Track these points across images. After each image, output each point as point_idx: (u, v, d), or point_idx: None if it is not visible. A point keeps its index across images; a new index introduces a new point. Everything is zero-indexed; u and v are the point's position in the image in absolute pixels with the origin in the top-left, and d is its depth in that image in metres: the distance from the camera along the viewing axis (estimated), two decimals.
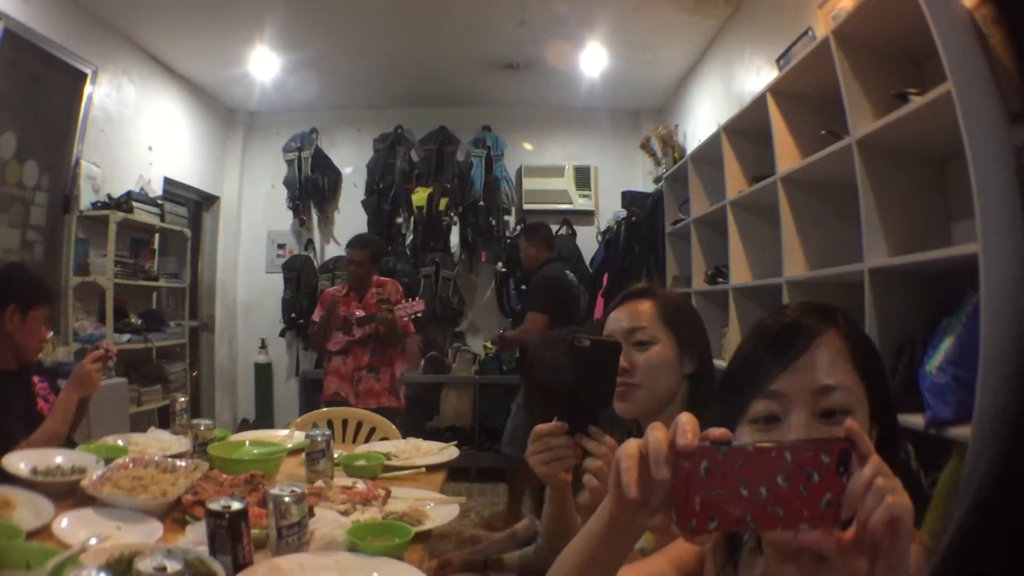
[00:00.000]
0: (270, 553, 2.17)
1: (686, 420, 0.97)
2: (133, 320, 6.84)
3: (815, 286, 3.89)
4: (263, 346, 9.19)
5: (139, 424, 6.21)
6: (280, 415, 9.03)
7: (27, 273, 3.61)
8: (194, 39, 7.04)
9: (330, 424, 4.53)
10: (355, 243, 5.98)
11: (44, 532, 2.25)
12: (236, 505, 2.04)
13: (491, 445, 8.04)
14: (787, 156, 4.23)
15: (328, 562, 2.14)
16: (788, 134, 4.28)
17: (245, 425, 8.95)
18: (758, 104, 4.54)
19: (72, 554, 1.90)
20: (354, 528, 2.34)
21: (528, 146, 9.06)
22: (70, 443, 3.33)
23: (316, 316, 5.87)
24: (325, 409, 4.79)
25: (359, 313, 5.67)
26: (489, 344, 8.51)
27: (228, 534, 2.00)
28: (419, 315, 5.70)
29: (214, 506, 2.03)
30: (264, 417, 9.03)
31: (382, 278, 6.04)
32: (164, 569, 1.58)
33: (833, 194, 3.96)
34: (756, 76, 5.50)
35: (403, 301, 5.77)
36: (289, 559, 2.11)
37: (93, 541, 2.03)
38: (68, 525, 2.29)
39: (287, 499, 2.15)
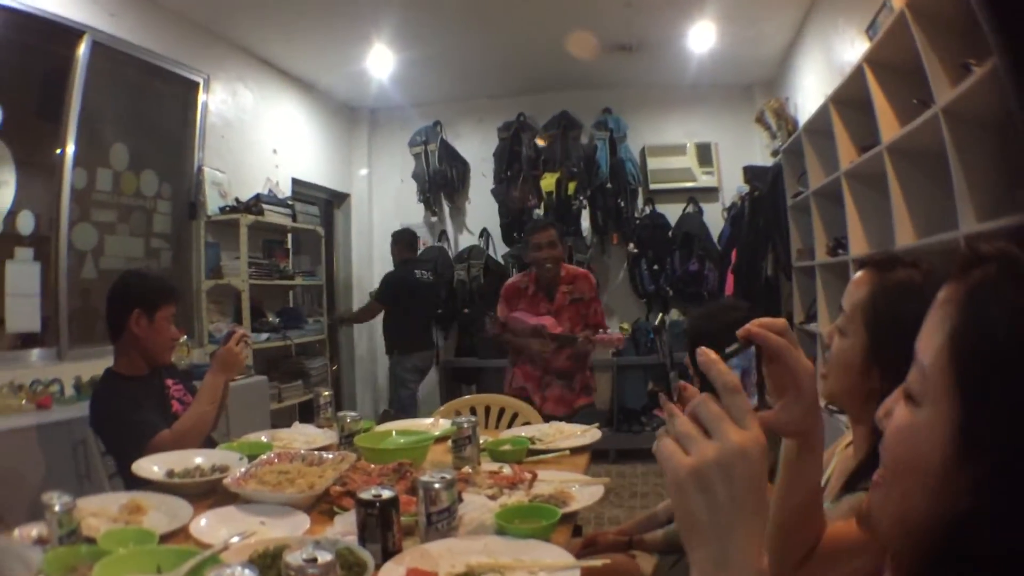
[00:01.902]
0: (418, 540, 2.15)
1: None
2: (271, 319, 6.96)
3: (927, 255, 3.70)
4: None
5: (280, 420, 6.31)
6: (421, 405, 9.05)
7: (146, 277, 3.71)
8: (307, 42, 7.12)
9: (473, 411, 4.51)
10: (535, 226, 5.38)
11: (180, 534, 2.24)
12: (386, 493, 2.02)
13: (629, 427, 7.97)
14: (888, 125, 4.18)
15: (477, 546, 2.09)
16: (887, 103, 4.22)
17: (386, 416, 9.01)
18: (857, 74, 4.49)
19: (211, 554, 1.88)
20: (502, 512, 2.30)
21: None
22: (209, 442, 3.37)
23: (501, 313, 5.31)
24: (468, 396, 4.77)
25: (549, 323, 5.05)
26: (626, 326, 8.44)
27: (378, 522, 1.99)
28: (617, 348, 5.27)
29: (364, 495, 2.01)
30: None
31: (572, 268, 5.43)
32: (314, 560, 1.54)
33: (932, 162, 3.83)
34: (851, 47, 5.35)
35: (597, 299, 5.31)
36: (438, 545, 2.08)
37: (235, 540, 2.01)
38: (207, 524, 2.28)
39: (437, 485, 2.11)
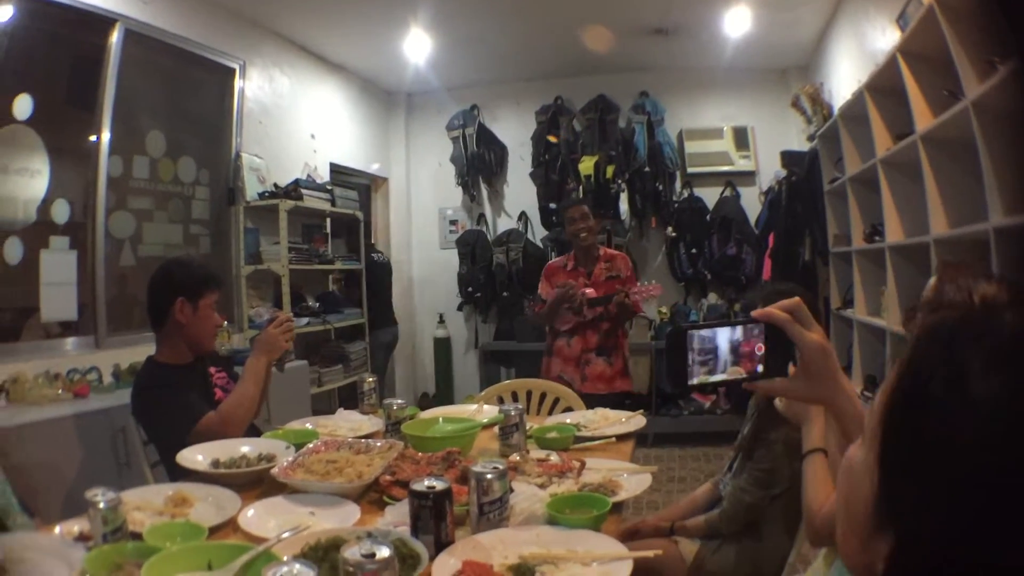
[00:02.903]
0: (470, 530, 2.13)
1: None
2: (311, 303, 6.96)
3: (957, 244, 3.90)
4: (441, 321, 9.36)
5: (320, 404, 6.35)
6: (460, 388, 9.21)
7: (189, 265, 3.68)
8: (343, 27, 7.08)
9: (514, 396, 4.51)
10: (567, 204, 5.55)
11: (228, 526, 2.22)
12: (440, 485, 2.00)
13: (668, 410, 7.95)
14: (922, 115, 4.23)
15: (529, 536, 2.08)
16: (919, 93, 4.26)
17: (425, 399, 9.09)
18: (891, 63, 4.50)
19: (264, 549, 1.86)
20: (553, 501, 2.29)
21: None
22: (252, 430, 3.36)
23: (542, 291, 5.38)
24: (508, 382, 4.74)
25: (590, 292, 5.11)
26: (664, 310, 8.42)
27: (432, 514, 1.97)
28: (655, 298, 5.34)
29: (418, 487, 2.00)
30: (444, 390, 9.23)
31: (609, 250, 5.52)
32: (373, 556, 1.52)
33: (965, 152, 3.82)
34: (883, 35, 5.34)
35: (634, 279, 5.32)
36: (490, 535, 2.06)
37: (287, 534, 1.99)
38: (256, 516, 2.26)
39: (489, 476, 2.09)
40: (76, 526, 2.11)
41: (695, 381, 1.44)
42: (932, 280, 2.03)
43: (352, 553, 1.53)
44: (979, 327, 0.84)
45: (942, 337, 0.85)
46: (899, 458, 0.85)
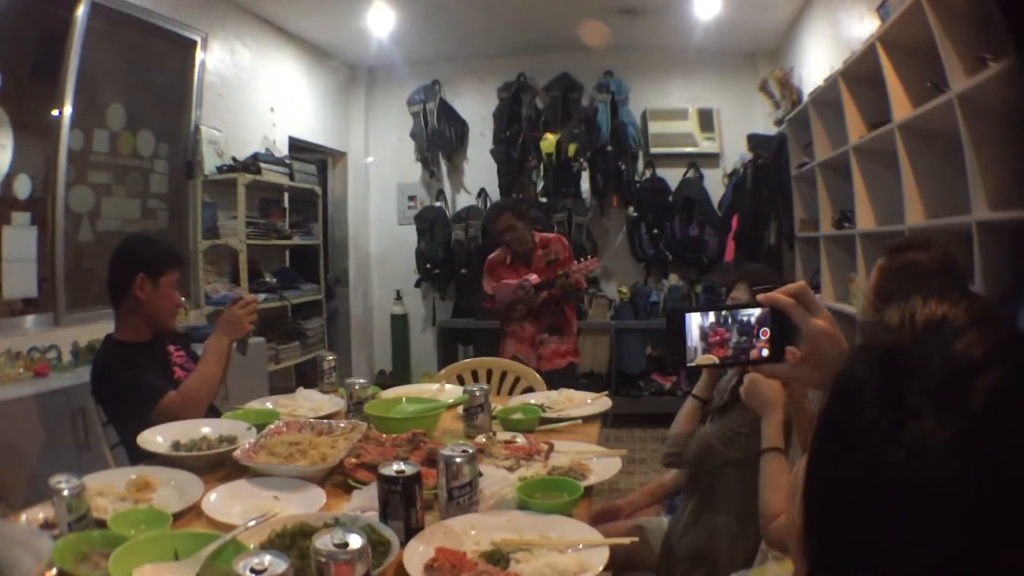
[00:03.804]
0: (439, 515, 2.10)
1: None
2: (268, 279, 6.89)
3: (935, 235, 3.81)
4: (398, 297, 9.27)
5: (277, 381, 6.27)
6: (417, 366, 9.16)
7: (151, 241, 3.62)
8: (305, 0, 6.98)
9: (475, 375, 4.49)
10: (491, 215, 5.71)
11: (192, 512, 2.17)
12: (410, 469, 1.96)
13: (628, 391, 7.95)
14: (900, 104, 4.24)
15: (500, 522, 2.05)
16: (899, 83, 4.27)
17: (382, 376, 9.04)
18: (869, 52, 4.52)
19: (230, 538, 1.80)
20: (523, 486, 2.25)
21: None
22: (213, 412, 3.30)
23: (488, 287, 5.53)
24: (468, 360, 4.73)
25: (533, 279, 5.25)
26: (624, 290, 8.43)
27: (401, 499, 1.93)
28: (597, 271, 5.42)
29: (387, 471, 1.95)
30: (401, 368, 9.15)
31: (544, 235, 5.67)
32: (345, 545, 1.48)
33: (945, 144, 3.88)
34: (860, 22, 5.36)
35: (572, 258, 5.43)
36: (461, 520, 2.03)
37: (251, 524, 1.92)
38: (219, 501, 2.20)
39: (459, 460, 2.05)
40: (41, 513, 2.06)
41: (694, 363, 1.45)
42: (878, 264, 2.00)
43: (324, 543, 1.49)
44: (920, 355, 0.77)
45: (875, 364, 0.80)
46: (819, 498, 0.82)
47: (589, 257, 5.35)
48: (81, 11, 4.98)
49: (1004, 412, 0.71)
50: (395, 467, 1.96)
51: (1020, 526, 0.68)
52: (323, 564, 1.47)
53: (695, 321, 1.44)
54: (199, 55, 6.32)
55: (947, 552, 0.70)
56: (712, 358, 1.46)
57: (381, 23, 7.46)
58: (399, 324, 9.25)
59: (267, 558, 1.39)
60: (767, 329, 1.42)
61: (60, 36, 4.94)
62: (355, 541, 1.49)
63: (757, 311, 1.42)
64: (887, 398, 0.75)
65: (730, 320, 1.44)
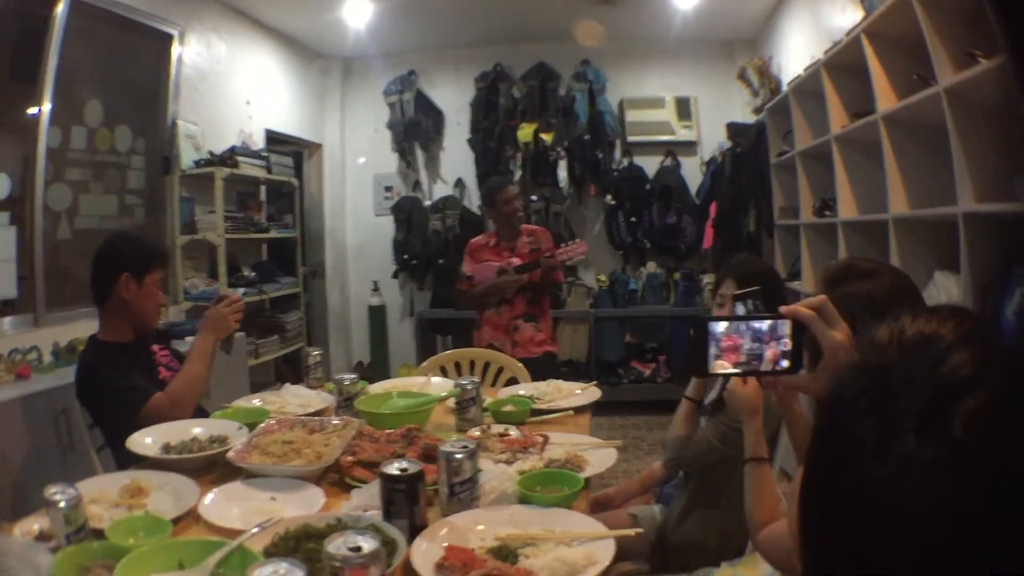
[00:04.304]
0: (439, 511, 2.09)
1: None
2: (246, 273, 6.85)
3: (918, 224, 4.05)
4: (376, 288, 9.21)
5: (257, 376, 6.23)
6: (395, 357, 9.13)
7: (134, 239, 3.59)
8: None
9: (457, 367, 4.49)
10: (495, 184, 5.55)
11: (189, 516, 2.13)
12: (412, 468, 1.94)
13: (607, 379, 7.96)
14: (884, 96, 4.26)
15: (503, 517, 2.05)
16: (883, 74, 4.29)
17: (360, 368, 9.00)
18: (853, 43, 4.53)
19: (236, 545, 1.76)
20: (523, 479, 2.26)
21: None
22: (200, 411, 3.27)
23: (466, 268, 5.41)
24: (450, 352, 4.73)
25: (515, 262, 5.21)
26: (603, 278, 8.44)
27: (405, 498, 1.91)
28: (582, 257, 5.39)
29: (389, 470, 1.93)
30: (379, 359, 9.12)
31: (530, 226, 5.65)
32: (359, 549, 1.46)
33: (930, 135, 3.92)
34: (842, 13, 5.38)
35: (555, 250, 5.35)
36: (464, 516, 2.03)
37: (256, 530, 1.87)
38: (216, 504, 2.17)
39: (459, 455, 2.05)
40: (36, 524, 1.99)
41: (714, 371, 1.52)
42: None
43: (337, 547, 1.48)
44: (907, 374, 0.81)
45: (865, 382, 0.84)
46: (813, 508, 0.88)
47: (577, 240, 5.32)
48: (61, 8, 4.92)
49: (983, 436, 0.73)
50: (397, 465, 1.95)
51: (999, 543, 0.72)
52: (338, 569, 1.46)
53: (717, 330, 1.49)
54: (176, 49, 6.25)
55: (929, 567, 0.74)
56: (726, 364, 1.49)
57: (357, 14, 7.42)
58: (377, 315, 9.21)
59: (283, 566, 1.38)
60: (787, 340, 1.47)
61: (39, 34, 4.88)
62: (369, 544, 1.48)
63: (778, 322, 1.47)
64: (875, 416, 0.79)
65: (743, 326, 1.48)
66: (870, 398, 0.81)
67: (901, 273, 2.11)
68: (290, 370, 7.29)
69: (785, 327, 1.47)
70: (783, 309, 1.46)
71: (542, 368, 4.46)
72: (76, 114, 5.28)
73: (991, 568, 0.72)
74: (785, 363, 1.48)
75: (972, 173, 3.34)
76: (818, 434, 0.89)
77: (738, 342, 1.49)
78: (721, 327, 1.49)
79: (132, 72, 5.95)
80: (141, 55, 6.04)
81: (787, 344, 1.46)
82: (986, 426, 0.74)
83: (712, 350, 1.48)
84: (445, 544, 1.82)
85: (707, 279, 7.96)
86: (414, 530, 1.91)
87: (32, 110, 4.88)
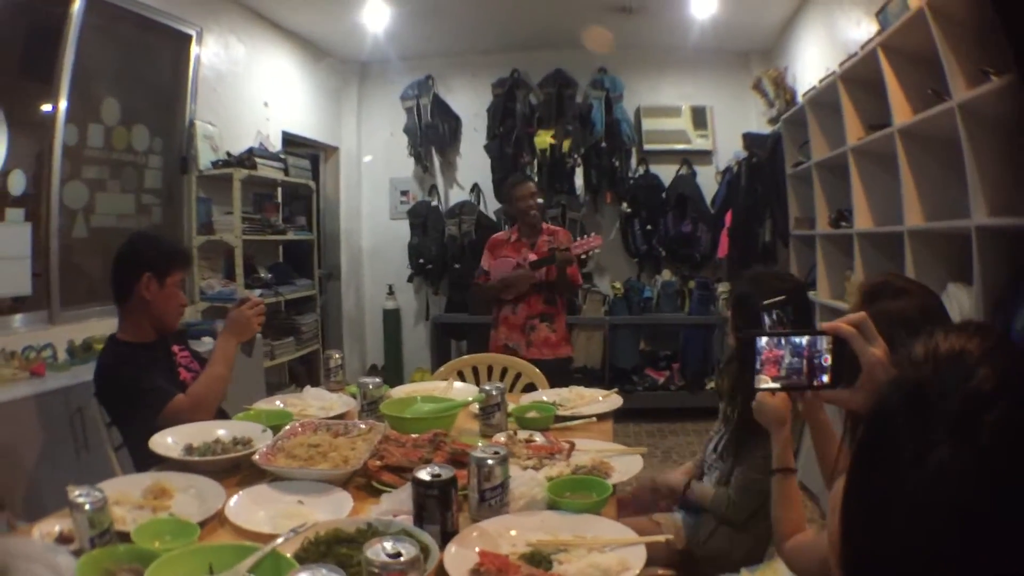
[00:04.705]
0: (469, 517, 2.08)
1: None
2: (262, 274, 6.82)
3: (932, 237, 4.08)
4: (391, 292, 9.21)
5: (272, 378, 6.22)
6: (409, 361, 9.14)
7: (157, 239, 3.56)
8: None
9: (475, 371, 4.47)
10: (515, 180, 5.61)
11: (216, 519, 2.10)
12: (445, 473, 1.93)
13: (621, 386, 7.93)
14: (900, 109, 4.30)
15: (534, 522, 2.05)
16: (899, 88, 4.32)
17: (374, 371, 9.00)
18: (869, 57, 4.54)
19: (268, 551, 1.74)
20: (552, 486, 2.24)
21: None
22: (221, 414, 3.25)
23: (485, 263, 5.43)
24: (467, 357, 4.70)
25: (532, 257, 5.18)
26: (618, 285, 8.43)
27: (438, 503, 1.90)
28: (597, 251, 5.37)
29: (423, 475, 1.92)
30: (393, 363, 9.11)
31: (551, 226, 5.60)
32: (399, 556, 1.45)
33: (945, 149, 3.92)
34: (857, 26, 5.39)
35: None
36: (494, 522, 2.02)
37: (289, 534, 1.86)
38: (242, 507, 2.14)
39: (491, 461, 2.05)
40: (57, 526, 1.96)
41: (761, 386, 1.60)
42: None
43: (375, 553, 1.47)
44: (940, 389, 0.89)
45: (903, 397, 0.93)
46: (855, 514, 0.95)
47: (592, 234, 5.30)
48: (77, 6, 4.92)
49: (1007, 443, 0.83)
50: (429, 470, 1.94)
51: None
52: (376, 574, 1.45)
53: (763, 345, 1.57)
54: (194, 49, 6.26)
55: (964, 567, 0.82)
56: (765, 378, 1.57)
57: (376, 18, 7.43)
58: (391, 319, 9.21)
59: (322, 572, 1.36)
60: (827, 355, 1.54)
61: (55, 31, 4.87)
62: (408, 551, 1.47)
63: (818, 337, 1.55)
64: (912, 428, 0.88)
65: (783, 341, 1.55)
66: (908, 412, 0.89)
67: (930, 291, 2.14)
68: (305, 372, 7.31)
69: (823, 342, 1.53)
70: (825, 326, 1.53)
71: (556, 373, 4.47)
72: (93, 112, 5.28)
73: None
74: (825, 378, 1.54)
75: (985, 187, 3.37)
76: (861, 445, 0.96)
77: (779, 355, 1.54)
78: (763, 341, 1.55)
79: (150, 71, 5.94)
80: (159, 54, 6.04)
81: (827, 360, 1.52)
82: (1009, 434, 0.83)
83: (756, 364, 1.54)
84: (477, 549, 1.82)
85: (721, 288, 7.97)
86: (445, 536, 1.90)
87: (47, 107, 4.88)
